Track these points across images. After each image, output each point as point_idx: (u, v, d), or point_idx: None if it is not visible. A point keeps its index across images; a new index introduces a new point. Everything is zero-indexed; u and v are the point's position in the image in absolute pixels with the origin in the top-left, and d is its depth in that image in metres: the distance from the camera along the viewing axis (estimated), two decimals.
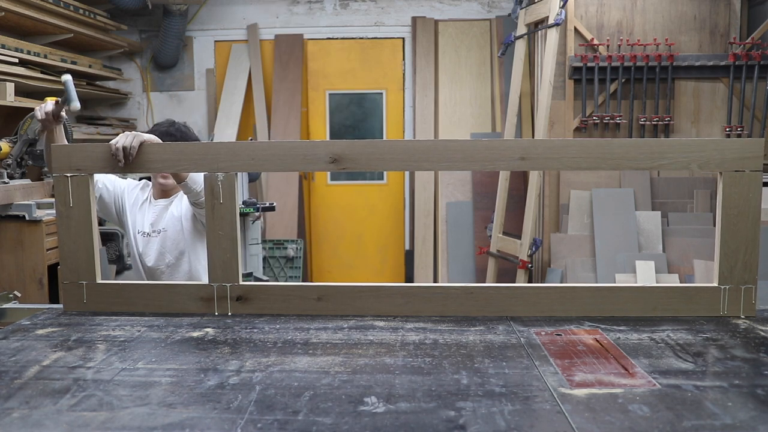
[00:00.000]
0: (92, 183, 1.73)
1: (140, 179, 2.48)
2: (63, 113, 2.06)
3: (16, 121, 3.45)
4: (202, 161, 1.69)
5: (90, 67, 4.80)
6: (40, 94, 4.01)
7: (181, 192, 2.23)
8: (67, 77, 2.04)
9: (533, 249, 4.29)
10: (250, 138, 5.42)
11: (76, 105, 2.02)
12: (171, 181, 2.27)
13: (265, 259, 4.92)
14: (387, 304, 1.69)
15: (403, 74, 5.68)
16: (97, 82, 5.21)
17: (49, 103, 2.03)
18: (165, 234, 2.27)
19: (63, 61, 4.38)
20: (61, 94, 2.01)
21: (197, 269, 2.28)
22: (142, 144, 1.74)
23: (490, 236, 4.77)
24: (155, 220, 2.29)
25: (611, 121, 4.64)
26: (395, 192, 5.76)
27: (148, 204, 2.33)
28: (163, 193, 2.33)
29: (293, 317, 1.67)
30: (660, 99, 4.67)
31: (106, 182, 2.31)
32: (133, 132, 1.81)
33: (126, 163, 1.72)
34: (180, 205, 2.29)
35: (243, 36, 5.63)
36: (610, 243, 4.40)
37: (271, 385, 1.20)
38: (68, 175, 1.71)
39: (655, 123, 4.64)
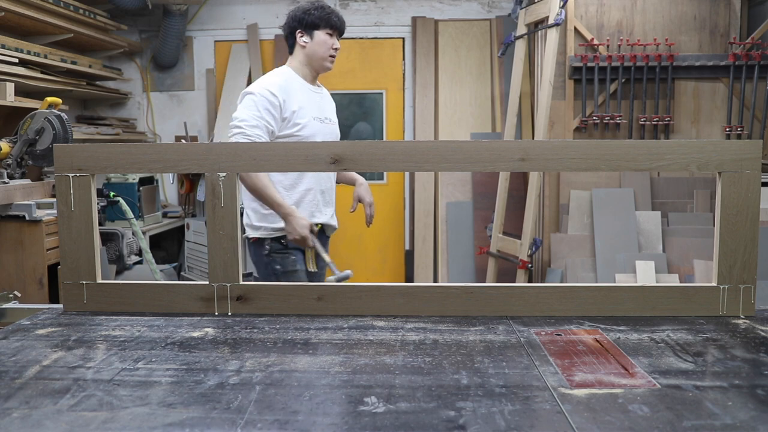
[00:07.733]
0: (94, 183, 1.73)
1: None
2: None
3: (16, 121, 3.45)
4: (204, 161, 1.69)
5: (90, 67, 4.80)
6: (40, 94, 4.00)
7: None
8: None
9: (533, 249, 4.29)
10: None
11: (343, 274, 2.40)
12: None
13: None
14: (387, 304, 1.69)
15: (403, 74, 5.67)
16: (97, 82, 5.21)
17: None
18: None
19: (63, 61, 4.38)
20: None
21: None
22: (144, 144, 1.77)
23: (490, 236, 4.77)
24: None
25: (611, 121, 4.64)
26: (395, 192, 5.76)
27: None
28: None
29: (293, 317, 1.67)
30: (660, 99, 4.67)
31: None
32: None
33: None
34: None
35: (243, 36, 5.63)
36: (610, 243, 4.40)
37: (271, 385, 1.20)
38: (70, 175, 1.71)
39: (655, 123, 4.64)
